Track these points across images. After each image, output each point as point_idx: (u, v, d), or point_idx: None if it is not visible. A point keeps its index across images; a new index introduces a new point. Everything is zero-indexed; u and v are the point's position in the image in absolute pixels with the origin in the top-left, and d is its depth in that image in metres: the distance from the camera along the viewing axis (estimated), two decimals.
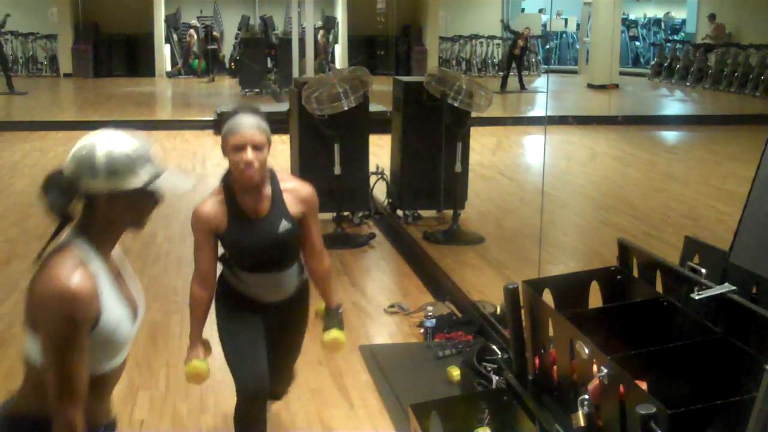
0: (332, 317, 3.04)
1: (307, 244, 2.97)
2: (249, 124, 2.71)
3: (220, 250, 2.95)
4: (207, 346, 2.90)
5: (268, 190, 2.84)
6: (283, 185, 2.89)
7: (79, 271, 1.85)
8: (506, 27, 18.02)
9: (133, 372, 4.09)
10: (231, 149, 2.72)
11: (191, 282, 2.89)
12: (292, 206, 2.87)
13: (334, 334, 2.99)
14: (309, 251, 2.99)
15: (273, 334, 3.05)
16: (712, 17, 19.00)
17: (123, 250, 2.13)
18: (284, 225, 2.85)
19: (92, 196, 1.90)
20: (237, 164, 2.72)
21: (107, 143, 1.90)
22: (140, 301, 2.09)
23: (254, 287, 2.96)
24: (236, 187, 2.82)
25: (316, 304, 3.15)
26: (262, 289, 2.96)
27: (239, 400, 2.95)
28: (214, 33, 19.94)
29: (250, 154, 2.69)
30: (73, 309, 1.82)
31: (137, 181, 1.91)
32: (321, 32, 18.10)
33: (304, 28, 12.51)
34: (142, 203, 1.96)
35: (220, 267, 3.01)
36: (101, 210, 1.92)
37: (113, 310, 1.94)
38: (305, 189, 2.94)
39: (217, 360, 4.29)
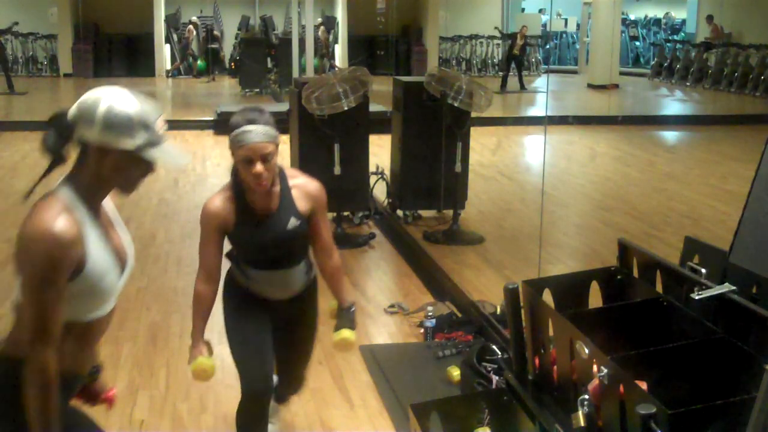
0: (344, 316, 3.00)
1: (317, 240, 2.96)
2: (256, 134, 2.67)
3: (227, 247, 2.94)
4: (209, 346, 2.87)
5: (276, 187, 2.83)
6: (291, 182, 2.88)
7: (62, 215, 1.90)
8: (501, 33, 18.13)
9: (133, 372, 4.09)
10: (239, 160, 2.71)
11: (196, 279, 2.87)
12: (301, 203, 2.87)
13: (344, 334, 2.95)
14: (318, 248, 2.98)
15: (282, 334, 3.03)
16: (709, 18, 19.00)
17: (117, 205, 2.16)
18: (293, 222, 2.84)
19: (85, 144, 1.94)
20: (246, 176, 2.72)
21: (113, 99, 1.93)
22: (130, 253, 2.12)
23: (261, 284, 2.94)
24: (245, 185, 2.80)
25: (327, 304, 3.12)
26: (270, 286, 2.95)
27: (243, 398, 2.94)
28: (215, 32, 19.92)
29: (259, 167, 2.68)
30: (52, 250, 1.85)
31: (130, 143, 1.93)
32: (321, 29, 18.08)
33: (304, 26, 12.47)
34: (130, 167, 1.97)
35: (226, 264, 3.00)
36: (91, 161, 1.95)
37: (99, 259, 1.97)
38: (313, 185, 2.93)
39: (216, 361, 4.29)
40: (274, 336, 3.00)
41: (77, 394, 2.26)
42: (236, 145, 2.70)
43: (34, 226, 1.88)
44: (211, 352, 2.85)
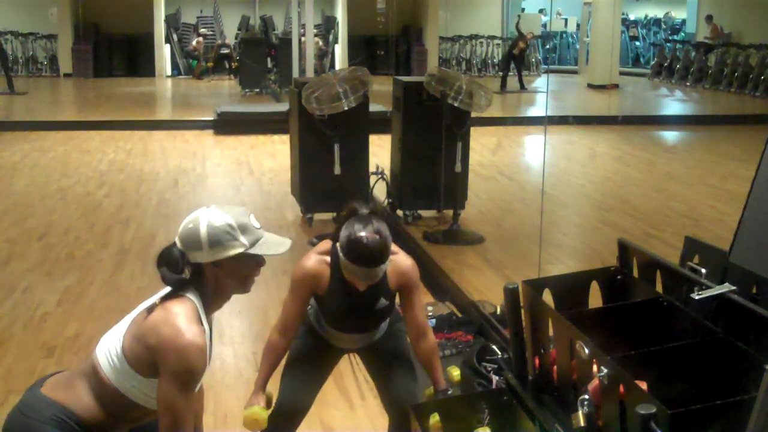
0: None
1: (409, 318, 2.89)
2: (374, 276, 2.66)
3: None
4: (269, 399, 2.84)
5: None
6: None
7: (198, 326, 2.06)
8: (516, 26, 18.09)
9: None
10: (349, 275, 2.72)
11: (272, 328, 2.87)
12: (392, 280, 2.82)
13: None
14: (411, 326, 2.91)
15: (375, 366, 3.05)
16: (709, 18, 19.00)
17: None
18: (382, 302, 2.82)
19: (199, 265, 2.12)
20: (350, 279, 2.73)
21: (208, 218, 2.12)
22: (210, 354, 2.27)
23: (337, 340, 2.98)
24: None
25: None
26: (345, 343, 3.00)
27: (273, 412, 2.93)
28: (227, 40, 19.94)
29: (365, 286, 2.72)
30: (195, 362, 2.02)
31: (237, 248, 2.10)
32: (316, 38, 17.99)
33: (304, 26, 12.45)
34: (244, 266, 2.14)
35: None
36: (209, 276, 2.13)
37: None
38: (407, 263, 2.86)
39: (216, 361, 4.29)
40: (374, 375, 3.06)
41: None
42: (350, 266, 2.66)
43: (177, 334, 2.01)
44: (270, 404, 2.83)
